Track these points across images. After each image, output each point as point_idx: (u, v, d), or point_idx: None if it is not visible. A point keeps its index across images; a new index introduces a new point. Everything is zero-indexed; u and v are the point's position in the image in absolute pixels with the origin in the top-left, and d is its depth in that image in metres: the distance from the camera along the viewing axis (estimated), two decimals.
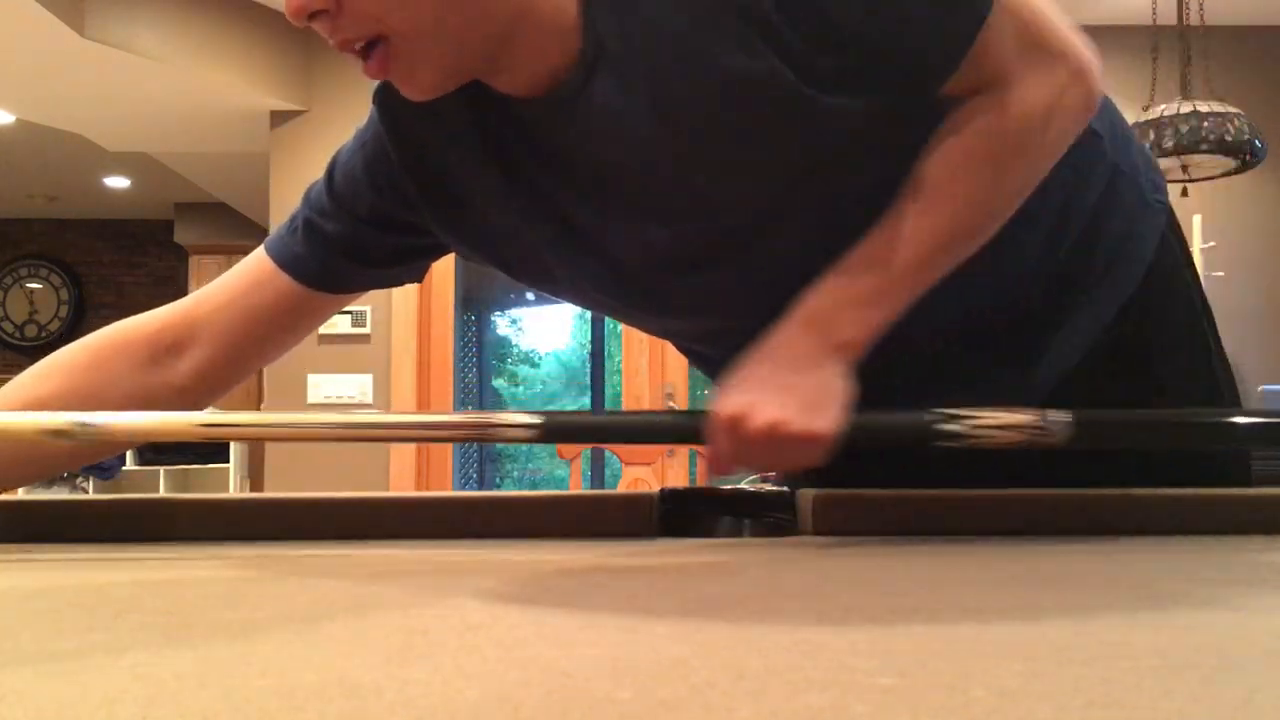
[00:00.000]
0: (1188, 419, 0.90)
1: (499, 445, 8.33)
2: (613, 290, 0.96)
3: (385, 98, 0.93)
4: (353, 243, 0.98)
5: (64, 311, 8.54)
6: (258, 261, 1.01)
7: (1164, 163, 3.39)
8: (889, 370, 0.84)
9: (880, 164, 0.84)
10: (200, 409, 1.02)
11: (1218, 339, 1.05)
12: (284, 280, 0.99)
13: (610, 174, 0.88)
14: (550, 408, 8.61)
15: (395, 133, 0.94)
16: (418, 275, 1.06)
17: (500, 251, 0.97)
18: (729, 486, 1.07)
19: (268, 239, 1.03)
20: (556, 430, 0.85)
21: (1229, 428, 0.91)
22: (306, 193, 1.02)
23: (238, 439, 0.86)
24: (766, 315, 0.85)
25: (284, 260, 0.99)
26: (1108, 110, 0.97)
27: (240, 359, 1.03)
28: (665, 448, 2.89)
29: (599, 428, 1.05)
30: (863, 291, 0.82)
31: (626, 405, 4.88)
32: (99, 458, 1.08)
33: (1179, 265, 1.04)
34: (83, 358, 1.00)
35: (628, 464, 2.84)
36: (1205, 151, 3.19)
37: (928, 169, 0.82)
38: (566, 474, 2.78)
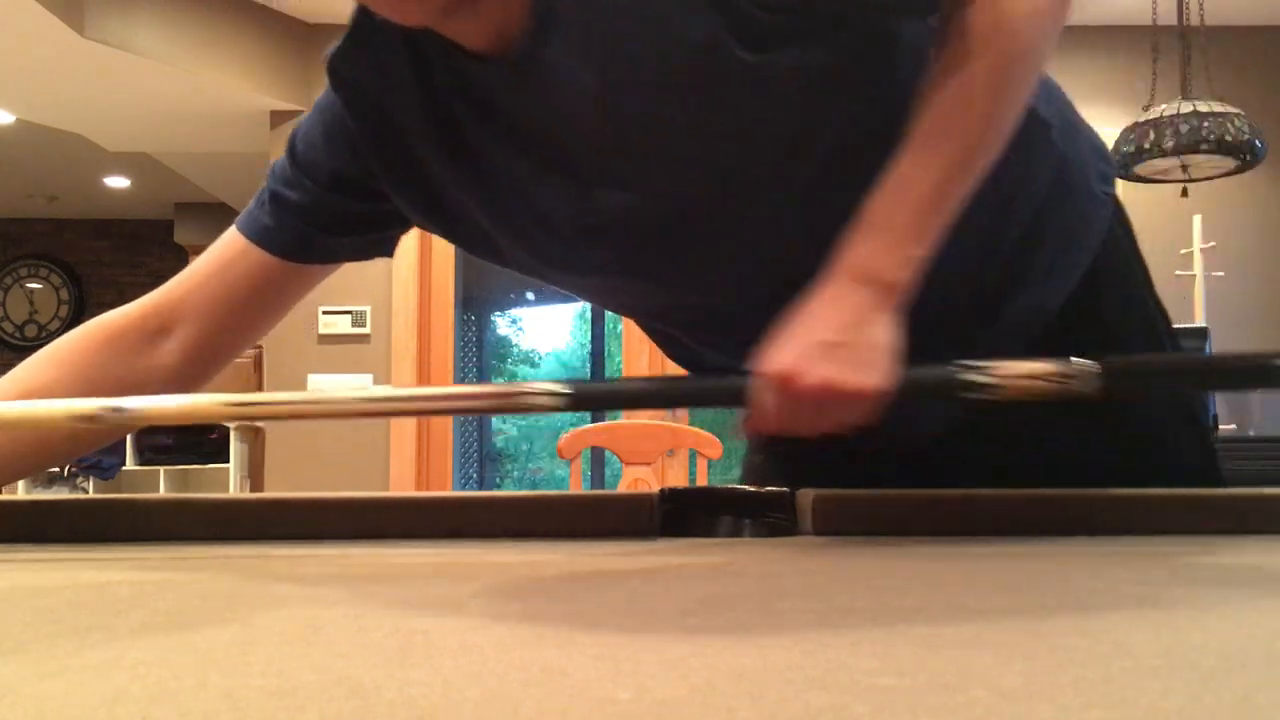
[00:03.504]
0: (1215, 363, 0.88)
1: (499, 445, 8.33)
2: (551, 258, 0.95)
3: (338, 66, 0.95)
4: (318, 211, 0.99)
5: (64, 311, 8.54)
6: (230, 239, 1.02)
7: (1164, 163, 3.39)
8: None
9: (837, 127, 0.85)
10: (194, 391, 1.03)
11: (1172, 334, 1.05)
12: (256, 254, 1.00)
13: (559, 138, 0.87)
14: None
15: (350, 99, 0.95)
16: (388, 248, 1.07)
17: (448, 219, 0.97)
18: (729, 487, 1.07)
19: (238, 217, 1.03)
20: (586, 398, 0.83)
21: (1260, 370, 0.87)
22: (271, 168, 1.03)
23: (266, 417, 0.87)
24: (721, 292, 0.86)
25: (253, 234, 1.01)
26: (1056, 99, 0.97)
27: (225, 337, 1.05)
28: (665, 447, 2.89)
29: (631, 394, 0.99)
30: (899, 231, 0.80)
31: None
32: (110, 440, 1.08)
33: (1128, 258, 1.04)
34: (73, 349, 1.01)
35: (628, 464, 2.84)
36: (1205, 151, 3.19)
37: (933, 95, 0.81)
38: (566, 474, 2.78)
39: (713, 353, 1.03)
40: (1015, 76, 0.85)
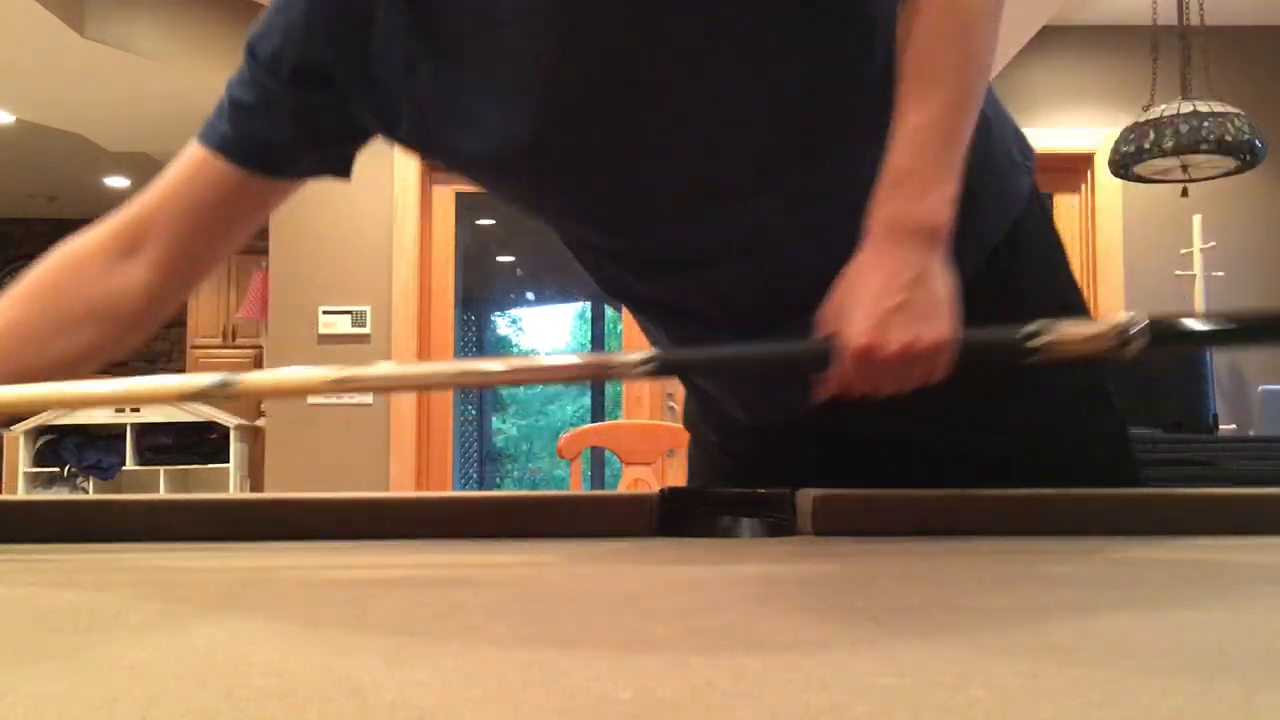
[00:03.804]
0: (1259, 317, 0.88)
1: (499, 444, 8.33)
2: (500, 169, 0.97)
3: None
4: (277, 113, 0.98)
5: None
6: (191, 151, 1.01)
7: (1164, 163, 3.39)
8: (763, 314, 0.92)
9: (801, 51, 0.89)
10: (167, 309, 1.05)
11: (1086, 311, 1.06)
12: (217, 165, 1.00)
13: (526, 46, 0.88)
14: (550, 408, 8.60)
15: None
16: (343, 165, 1.06)
17: (405, 121, 0.97)
18: (729, 487, 1.07)
19: (199, 130, 1.02)
20: (670, 365, 0.87)
21: None
22: (229, 80, 1.02)
23: (369, 389, 0.88)
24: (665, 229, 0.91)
25: (213, 142, 1.00)
26: None
27: (194, 252, 1.03)
28: (665, 447, 2.89)
29: (713, 360, 0.98)
30: (926, 176, 0.83)
31: (626, 405, 4.88)
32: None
33: (1045, 231, 1.07)
34: (44, 282, 1.00)
35: (628, 464, 2.84)
36: (1205, 151, 3.19)
37: (918, 48, 0.85)
38: (566, 474, 2.78)
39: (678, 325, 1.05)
40: (983, 16, 0.88)
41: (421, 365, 0.94)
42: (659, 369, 0.83)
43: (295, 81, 0.97)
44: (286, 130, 1.00)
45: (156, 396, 0.89)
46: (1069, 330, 0.80)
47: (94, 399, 0.90)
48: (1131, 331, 0.78)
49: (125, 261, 1.01)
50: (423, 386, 0.89)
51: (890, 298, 0.79)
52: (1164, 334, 0.80)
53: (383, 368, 0.94)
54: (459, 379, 0.87)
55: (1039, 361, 0.80)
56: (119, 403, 0.92)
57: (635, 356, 0.82)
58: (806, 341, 0.83)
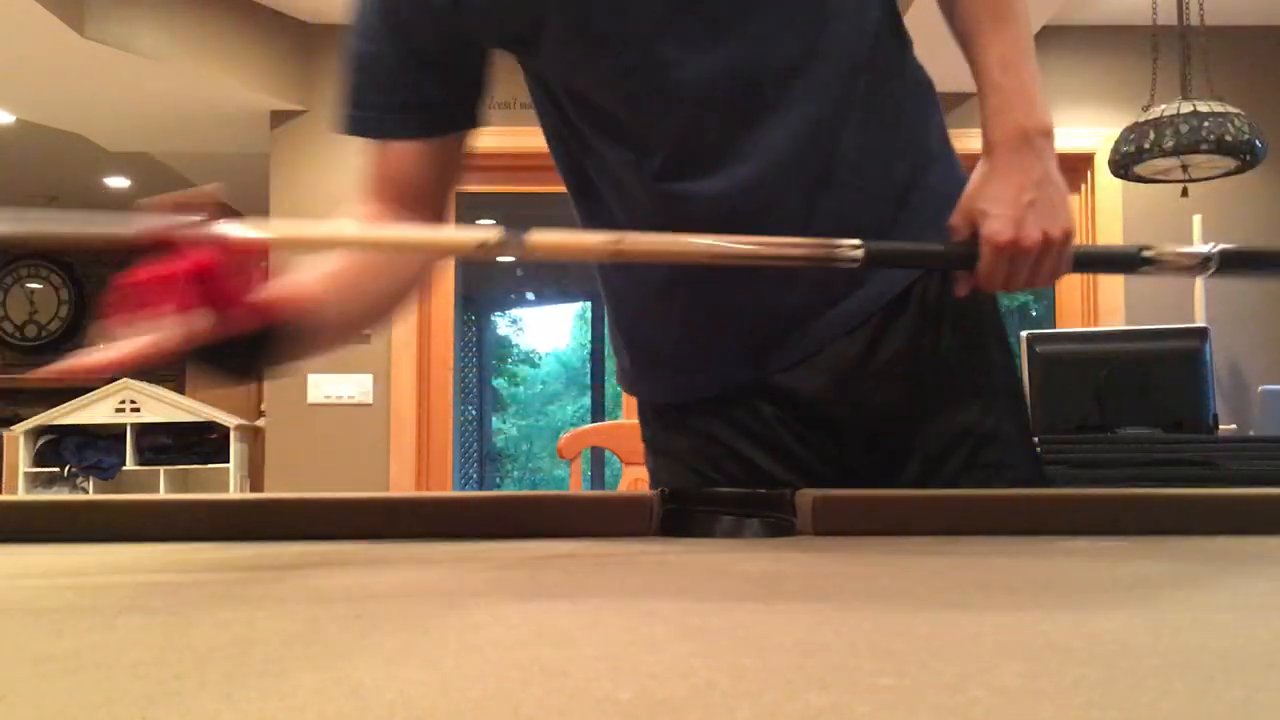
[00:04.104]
0: None
1: (499, 445, 8.33)
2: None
3: None
4: (409, 70, 1.04)
5: (64, 311, 8.54)
6: (366, 147, 1.10)
7: (1164, 163, 3.39)
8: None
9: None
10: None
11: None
12: (391, 149, 1.08)
13: None
14: (550, 408, 8.60)
15: None
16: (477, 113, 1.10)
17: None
18: (729, 487, 1.07)
19: (347, 124, 1.09)
20: (878, 256, 0.95)
21: None
22: (344, 76, 1.08)
23: (646, 259, 0.99)
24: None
25: (372, 131, 1.08)
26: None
27: (435, 206, 1.15)
28: None
29: (916, 253, 1.04)
30: (1023, 92, 0.97)
31: (626, 405, 4.88)
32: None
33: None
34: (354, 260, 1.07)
35: (628, 464, 2.83)
36: (1205, 151, 3.19)
37: (977, 3, 1.01)
38: (566, 474, 2.78)
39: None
40: None
41: (689, 239, 0.95)
42: (868, 261, 0.93)
43: (418, 25, 1.02)
44: (423, 86, 1.05)
45: (430, 246, 0.92)
46: (1174, 252, 0.99)
47: (362, 241, 1.00)
48: (1210, 255, 0.98)
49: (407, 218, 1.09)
50: (704, 257, 0.94)
51: (1025, 195, 0.93)
52: (1231, 259, 0.98)
53: (660, 239, 0.95)
54: (714, 256, 0.93)
55: (1147, 272, 0.99)
56: (389, 248, 0.95)
57: (849, 242, 0.92)
58: (952, 243, 0.97)
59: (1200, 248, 0.99)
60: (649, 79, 1.02)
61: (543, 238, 0.87)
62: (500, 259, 0.86)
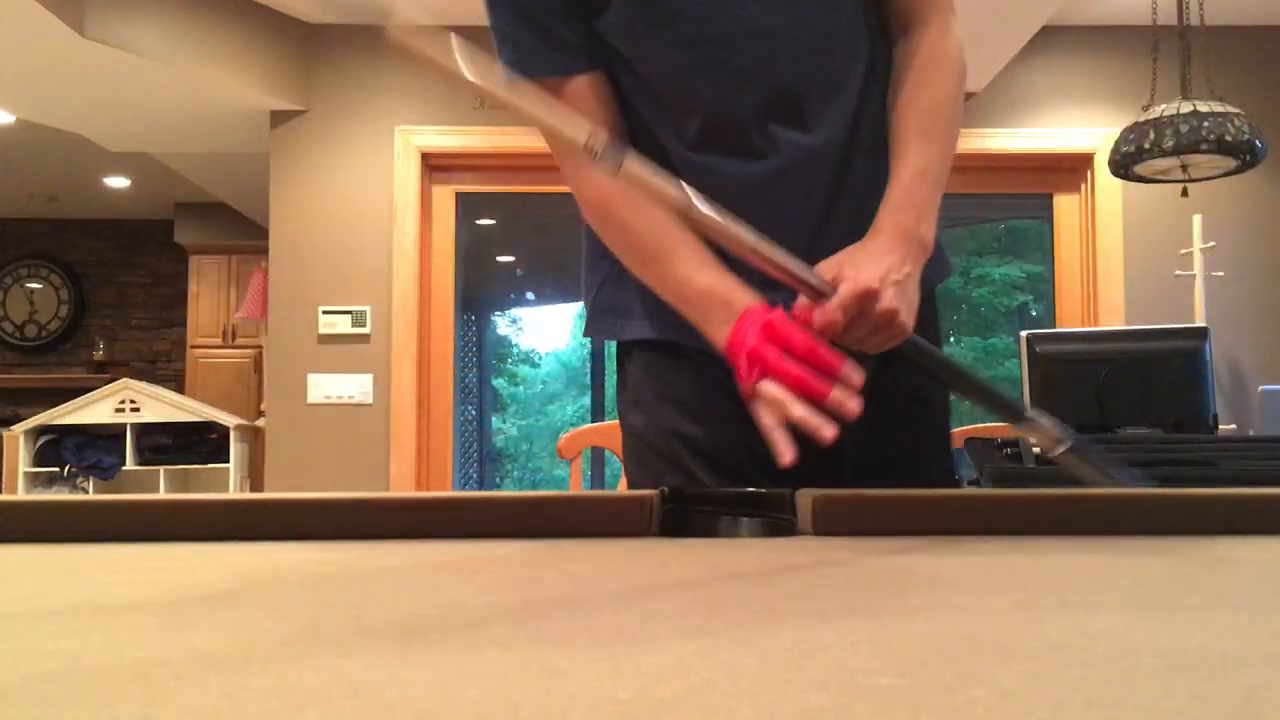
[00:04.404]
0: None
1: (499, 445, 8.32)
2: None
3: None
4: (550, 8, 1.13)
5: (64, 311, 8.54)
6: (556, 86, 1.16)
7: (1164, 163, 3.39)
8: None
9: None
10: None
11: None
12: (577, 82, 1.17)
13: None
14: (550, 408, 8.61)
15: None
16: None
17: None
18: (729, 487, 1.07)
19: (522, 63, 1.15)
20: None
21: None
22: (507, 22, 1.16)
23: (702, 229, 0.98)
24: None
25: (559, 70, 1.16)
26: None
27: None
28: None
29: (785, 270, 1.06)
30: (922, 205, 1.09)
31: None
32: None
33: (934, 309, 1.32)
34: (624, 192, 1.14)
35: None
36: (1205, 151, 3.19)
37: (923, 106, 1.14)
38: (566, 474, 2.78)
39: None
40: (961, 95, 1.19)
41: (741, 232, 0.95)
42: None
43: None
44: (575, 25, 1.15)
45: (546, 121, 0.89)
46: (1040, 419, 1.07)
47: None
48: (1063, 439, 1.07)
49: None
50: (748, 251, 0.96)
51: (893, 274, 1.01)
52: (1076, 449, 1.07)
53: (720, 222, 0.94)
54: (757, 255, 0.95)
55: (1022, 429, 1.08)
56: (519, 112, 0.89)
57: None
58: (816, 274, 0.99)
59: (1061, 434, 1.06)
60: (703, 56, 1.13)
61: (635, 167, 0.88)
62: (596, 162, 0.88)
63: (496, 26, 1.17)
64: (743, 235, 0.94)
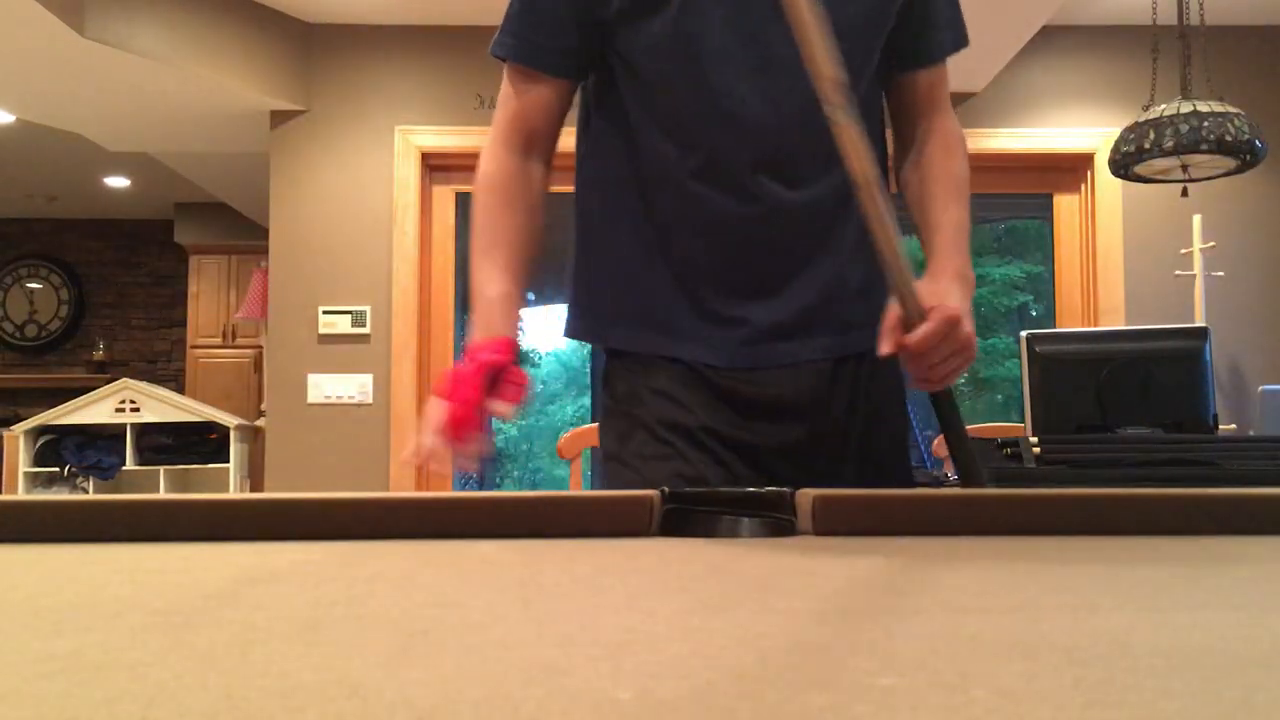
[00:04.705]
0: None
1: (499, 445, 8.33)
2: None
3: None
4: (567, 6, 1.25)
5: (64, 311, 8.54)
6: (515, 73, 1.30)
7: (1164, 163, 3.39)
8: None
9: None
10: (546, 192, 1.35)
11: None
12: (540, 76, 1.29)
13: None
14: (550, 408, 8.60)
15: None
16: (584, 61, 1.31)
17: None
18: (729, 487, 1.07)
19: (502, 47, 1.29)
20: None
21: None
22: (520, 4, 1.28)
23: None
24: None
25: (532, 61, 1.29)
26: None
27: (553, 143, 1.34)
28: None
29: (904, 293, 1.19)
30: (963, 253, 1.25)
31: None
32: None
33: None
34: (507, 189, 1.31)
35: None
36: (1205, 151, 3.19)
37: (953, 173, 1.32)
38: (566, 474, 2.78)
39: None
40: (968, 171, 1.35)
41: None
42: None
43: None
44: (573, 37, 1.27)
45: (812, 46, 1.02)
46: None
47: None
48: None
49: (530, 161, 1.32)
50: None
51: (964, 304, 1.16)
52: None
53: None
54: None
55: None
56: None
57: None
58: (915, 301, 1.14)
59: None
60: (709, 105, 1.24)
61: (849, 129, 1.02)
62: (826, 113, 1.04)
63: (510, 7, 1.29)
64: (892, 233, 1.09)
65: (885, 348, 1.13)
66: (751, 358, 1.28)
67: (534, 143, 1.32)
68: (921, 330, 1.11)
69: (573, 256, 1.39)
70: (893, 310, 1.13)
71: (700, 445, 1.27)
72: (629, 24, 1.24)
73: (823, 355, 1.30)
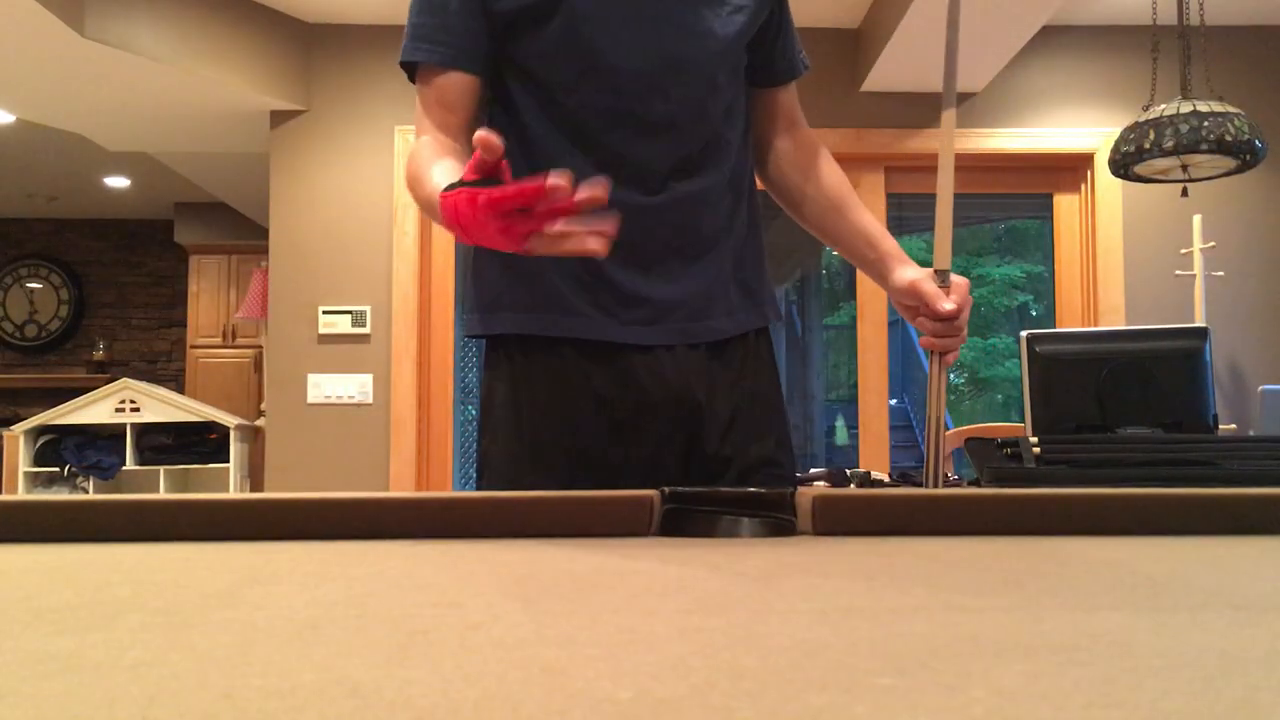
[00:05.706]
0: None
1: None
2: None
3: None
4: (469, 9, 1.31)
5: (64, 311, 8.54)
6: (430, 73, 1.34)
7: (1164, 163, 3.39)
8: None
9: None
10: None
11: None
12: (453, 75, 1.34)
13: None
14: None
15: None
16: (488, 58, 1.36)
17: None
18: (729, 487, 1.07)
19: (413, 50, 1.34)
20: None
21: None
22: (423, 10, 1.34)
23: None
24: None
25: (443, 60, 1.33)
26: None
27: (467, 140, 1.36)
28: None
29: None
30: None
31: None
32: None
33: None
34: (447, 148, 1.32)
35: None
36: (1205, 151, 3.19)
37: (847, 183, 1.51)
38: None
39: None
40: None
41: None
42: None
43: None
44: (482, 35, 1.33)
45: None
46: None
47: None
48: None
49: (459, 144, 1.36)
50: None
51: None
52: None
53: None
54: None
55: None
56: None
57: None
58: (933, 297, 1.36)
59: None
60: (622, 106, 1.32)
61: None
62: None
63: (411, 16, 1.36)
64: (945, 209, 1.35)
65: (948, 308, 1.34)
66: (652, 336, 1.35)
67: (460, 135, 1.36)
68: (954, 299, 1.35)
69: (469, 259, 1.44)
70: (928, 284, 1.35)
71: (571, 465, 1.33)
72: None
73: (717, 336, 1.39)
